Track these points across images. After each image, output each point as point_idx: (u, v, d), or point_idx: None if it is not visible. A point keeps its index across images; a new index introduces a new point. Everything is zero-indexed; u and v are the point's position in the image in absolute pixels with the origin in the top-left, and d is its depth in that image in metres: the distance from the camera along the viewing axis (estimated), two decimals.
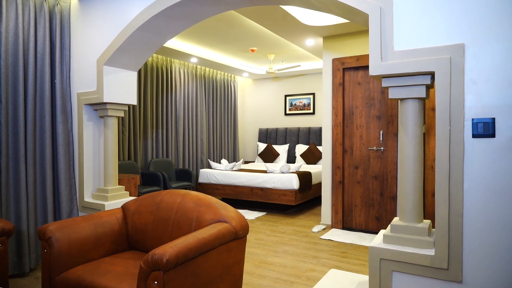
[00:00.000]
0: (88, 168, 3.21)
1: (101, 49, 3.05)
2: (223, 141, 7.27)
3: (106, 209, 3.00)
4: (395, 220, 1.90)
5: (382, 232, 2.04)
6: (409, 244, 1.76)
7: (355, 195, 4.39)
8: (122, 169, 4.85)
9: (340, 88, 4.40)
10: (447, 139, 1.64)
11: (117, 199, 3.15)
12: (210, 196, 2.24)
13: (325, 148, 4.55)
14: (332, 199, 4.47)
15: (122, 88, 3.16)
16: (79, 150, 3.20)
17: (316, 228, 4.35)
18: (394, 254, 1.74)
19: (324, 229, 4.43)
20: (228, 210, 2.09)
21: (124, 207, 2.42)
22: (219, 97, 7.17)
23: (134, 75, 3.27)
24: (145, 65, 5.47)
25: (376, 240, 1.89)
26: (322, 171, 4.59)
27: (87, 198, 3.20)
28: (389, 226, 1.94)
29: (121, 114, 3.23)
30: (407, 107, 1.82)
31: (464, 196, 1.62)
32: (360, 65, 4.27)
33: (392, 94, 1.83)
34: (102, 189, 3.14)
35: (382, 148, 4.22)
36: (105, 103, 3.07)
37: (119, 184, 3.71)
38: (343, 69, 4.40)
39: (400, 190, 1.88)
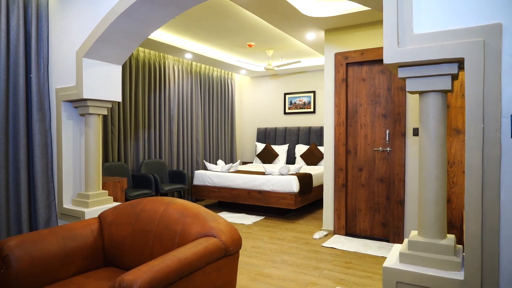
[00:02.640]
0: (67, 171, 2.92)
1: (80, 39, 2.76)
2: (220, 141, 6.99)
3: (87, 217, 2.72)
4: (413, 235, 1.61)
5: (396, 247, 1.76)
6: (431, 264, 1.48)
7: (359, 199, 4.10)
8: (111, 171, 4.56)
9: (343, 84, 4.12)
10: (480, 140, 1.36)
11: (100, 205, 2.86)
12: (198, 205, 1.96)
13: (327, 148, 4.26)
14: (334, 203, 4.18)
15: (105, 83, 2.87)
16: (58, 151, 2.91)
17: (317, 235, 4.06)
18: (414, 277, 1.46)
19: (326, 235, 4.14)
20: (217, 221, 1.81)
21: (101, 217, 2.13)
22: (216, 95, 6.88)
23: (118, 69, 2.99)
24: (137, 60, 5.18)
25: (390, 259, 1.61)
26: (323, 173, 4.30)
27: (67, 204, 2.91)
28: (406, 241, 1.66)
29: (104, 112, 2.94)
30: (428, 101, 1.53)
31: (501, 210, 1.34)
32: (364, 60, 3.98)
33: (411, 86, 1.54)
34: (83, 194, 2.86)
35: (388, 148, 3.93)
36: (85, 100, 2.78)
37: (103, 188, 3.42)
38: (347, 64, 4.11)
39: (420, 200, 1.59)
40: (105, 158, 4.72)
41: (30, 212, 2.89)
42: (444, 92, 1.52)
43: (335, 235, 4.10)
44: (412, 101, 3.73)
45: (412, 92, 1.57)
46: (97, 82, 2.81)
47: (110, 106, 2.97)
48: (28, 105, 2.89)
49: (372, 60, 3.95)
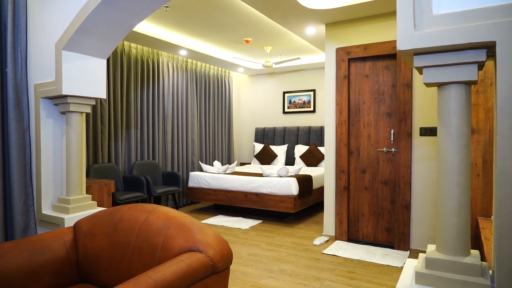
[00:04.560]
0: (47, 174, 2.69)
1: (59, 30, 2.53)
2: (217, 141, 6.76)
3: (67, 224, 2.49)
4: (431, 250, 1.39)
5: (410, 264, 1.53)
6: (454, 287, 1.25)
7: (362, 203, 3.88)
8: (100, 173, 4.33)
9: (345, 81, 3.89)
10: None
11: (82, 211, 2.63)
12: (184, 214, 1.73)
13: (328, 149, 4.03)
14: (336, 207, 3.96)
15: (87, 79, 2.64)
16: (37, 152, 2.68)
17: (318, 241, 3.83)
18: None
19: (327, 241, 3.91)
20: (204, 233, 1.58)
21: (76, 226, 1.91)
22: (212, 93, 6.65)
23: (102, 64, 2.76)
24: (128, 57, 4.95)
25: (404, 278, 1.38)
26: (324, 175, 4.07)
27: (46, 210, 2.68)
28: (422, 258, 1.43)
29: (87, 110, 2.71)
30: (450, 95, 1.30)
31: None
32: (368, 55, 3.75)
33: (429, 77, 1.32)
34: (63, 199, 2.63)
35: (393, 149, 3.70)
36: (65, 96, 2.55)
37: (88, 192, 3.20)
38: (349, 59, 3.88)
39: (439, 210, 1.36)
40: (95, 159, 4.49)
41: (5, 219, 2.66)
42: (468, 83, 1.29)
43: (337, 241, 3.87)
44: (418, 98, 3.50)
45: (429, 85, 1.34)
46: (78, 77, 2.58)
47: (94, 103, 2.74)
48: (3, 102, 2.66)
49: (376, 55, 3.72)
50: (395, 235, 3.62)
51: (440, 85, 1.33)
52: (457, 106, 1.29)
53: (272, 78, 7.24)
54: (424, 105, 3.48)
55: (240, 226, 4.54)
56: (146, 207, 1.79)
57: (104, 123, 4.58)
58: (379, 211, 3.78)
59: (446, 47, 1.22)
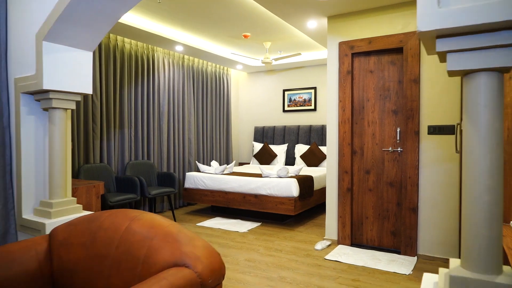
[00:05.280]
0: (29, 176, 2.49)
1: (40, 20, 2.33)
2: (215, 140, 6.56)
3: (48, 229, 2.29)
4: (455, 267, 1.19)
5: (428, 279, 1.33)
6: None
7: (366, 205, 3.68)
8: (91, 174, 4.14)
9: (348, 77, 3.69)
10: None
11: (65, 215, 2.44)
12: (170, 221, 1.53)
13: (330, 148, 3.84)
14: (338, 209, 3.76)
15: (71, 72, 2.45)
16: (17, 152, 2.48)
17: (319, 245, 3.64)
18: None
19: (329, 245, 3.71)
20: (193, 245, 1.38)
21: (51, 235, 1.71)
22: (210, 91, 6.45)
23: (88, 56, 2.56)
24: (122, 52, 4.76)
25: None
26: (326, 175, 3.88)
27: (27, 215, 2.48)
28: (444, 275, 1.23)
29: (72, 106, 2.51)
30: (479, 84, 1.10)
31: None
32: (372, 49, 3.55)
33: (454, 63, 1.12)
34: (46, 203, 2.43)
35: (399, 149, 3.50)
36: (47, 91, 2.35)
37: (74, 194, 3.00)
38: (352, 54, 3.68)
39: (464, 220, 1.16)
40: (86, 159, 4.29)
41: None
42: (502, 71, 1.09)
43: (340, 246, 3.68)
44: (426, 95, 3.30)
45: (453, 73, 1.14)
46: (61, 71, 2.38)
47: (79, 99, 2.54)
48: None
49: (381, 49, 3.52)
50: (402, 239, 3.42)
51: (466, 73, 1.13)
52: (488, 98, 1.09)
53: (271, 75, 7.05)
54: (433, 102, 3.29)
55: (238, 229, 4.35)
56: (129, 214, 1.59)
57: (96, 121, 4.38)
58: (384, 214, 3.59)
59: (478, 26, 1.02)
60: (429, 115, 3.30)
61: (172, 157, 5.52)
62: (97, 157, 4.38)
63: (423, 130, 3.33)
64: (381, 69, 3.59)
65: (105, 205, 3.90)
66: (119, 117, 4.74)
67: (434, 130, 3.27)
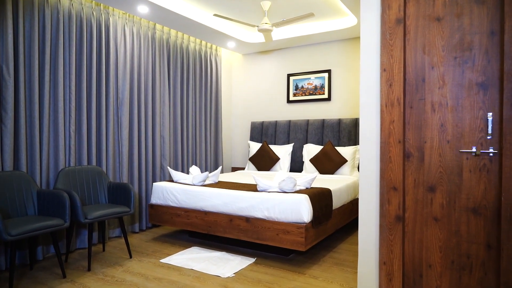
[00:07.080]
0: None
1: None
2: (198, 139, 5.08)
3: None
4: None
5: None
6: None
7: (429, 246, 2.19)
8: None
9: (398, 29, 2.21)
10: None
11: None
12: None
13: (365, 150, 2.35)
14: (380, 250, 2.27)
15: None
16: None
17: None
18: None
19: None
20: None
21: None
22: (193, 76, 4.99)
23: None
24: (57, 11, 3.29)
25: None
26: (359, 193, 2.40)
27: None
28: None
29: None
30: None
31: None
32: None
33: None
34: None
35: (491, 150, 2.02)
36: None
37: None
38: None
39: None
40: None
41: None
42: None
43: None
44: None
45: None
46: None
47: None
48: None
49: None
50: None
51: None
52: None
53: (272, 56, 5.57)
54: None
55: (220, 273, 2.86)
56: None
57: (6, 108, 2.92)
58: (461, 261, 2.09)
59: None
60: None
61: (137, 161, 4.05)
62: (8, 161, 2.91)
63: None
64: (457, 14, 2.10)
65: None
66: (51, 103, 3.28)
67: None
